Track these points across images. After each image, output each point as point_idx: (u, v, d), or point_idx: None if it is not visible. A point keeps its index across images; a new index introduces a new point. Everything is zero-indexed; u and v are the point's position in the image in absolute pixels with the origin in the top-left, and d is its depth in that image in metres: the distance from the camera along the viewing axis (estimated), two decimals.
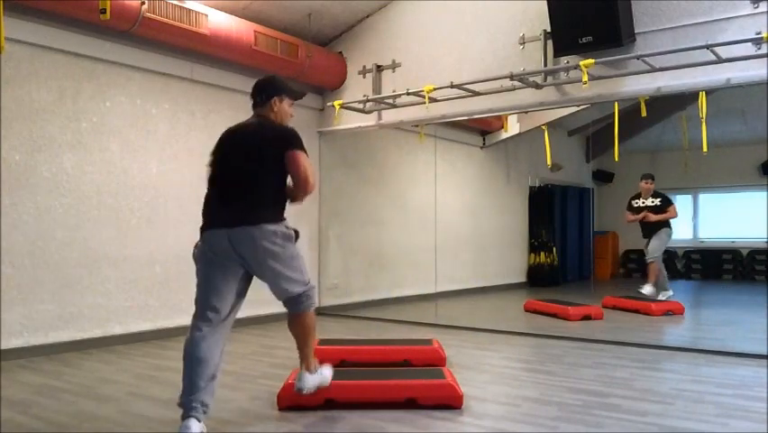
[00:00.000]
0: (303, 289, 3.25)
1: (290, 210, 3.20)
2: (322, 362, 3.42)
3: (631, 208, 7.71)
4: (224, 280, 3.13)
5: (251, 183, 3.12)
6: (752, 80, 4.67)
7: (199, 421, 2.87)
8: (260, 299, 6.64)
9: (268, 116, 3.33)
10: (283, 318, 7.08)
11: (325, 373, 3.35)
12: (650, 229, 7.58)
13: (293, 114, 3.39)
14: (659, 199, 7.64)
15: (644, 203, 7.67)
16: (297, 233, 3.21)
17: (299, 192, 3.16)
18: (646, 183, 7.67)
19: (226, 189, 3.16)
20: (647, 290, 7.39)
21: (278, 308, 7.16)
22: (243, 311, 6.43)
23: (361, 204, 7.64)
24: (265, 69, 6.32)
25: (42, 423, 3.16)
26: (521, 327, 6.13)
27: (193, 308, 2.98)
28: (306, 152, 3.12)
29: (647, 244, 7.58)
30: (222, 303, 3.13)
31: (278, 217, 3.18)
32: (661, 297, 7.43)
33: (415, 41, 6.51)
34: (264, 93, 3.38)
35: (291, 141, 3.10)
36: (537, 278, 9.68)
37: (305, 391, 3.23)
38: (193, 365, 2.91)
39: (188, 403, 2.88)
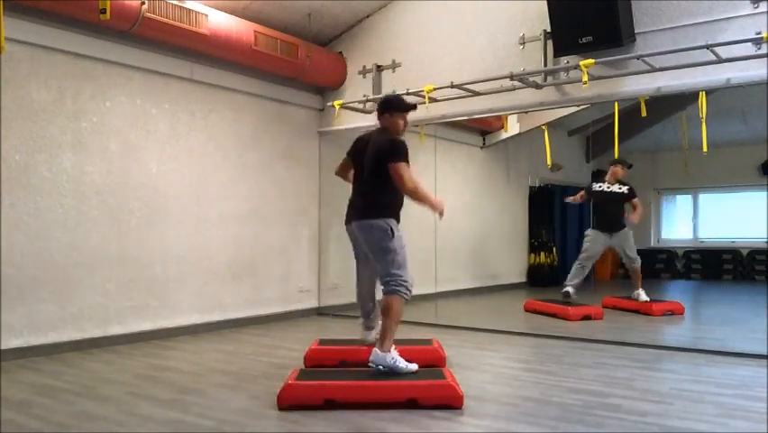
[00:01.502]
0: (387, 278, 3.81)
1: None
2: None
3: (589, 192, 7.29)
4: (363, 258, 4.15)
5: (360, 186, 4.02)
6: (752, 80, 4.67)
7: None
8: (261, 299, 6.70)
9: (384, 128, 3.99)
10: (283, 318, 7.13)
11: (401, 363, 3.67)
12: (612, 222, 7.10)
13: (405, 126, 4.01)
14: (626, 187, 7.17)
15: (608, 188, 7.17)
16: (392, 230, 3.85)
17: (407, 196, 3.90)
18: (622, 168, 7.15)
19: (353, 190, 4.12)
20: (644, 296, 7.04)
21: (278, 307, 7.21)
22: (243, 311, 6.51)
23: None
24: (265, 70, 6.35)
25: (42, 423, 3.16)
26: (521, 327, 6.13)
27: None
28: (404, 160, 3.77)
29: (596, 240, 7.06)
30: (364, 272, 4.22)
31: (378, 214, 3.86)
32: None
33: (415, 41, 6.51)
34: (380, 108, 4.02)
35: (390, 152, 3.78)
36: (537, 278, 9.67)
37: (373, 366, 3.68)
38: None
39: None
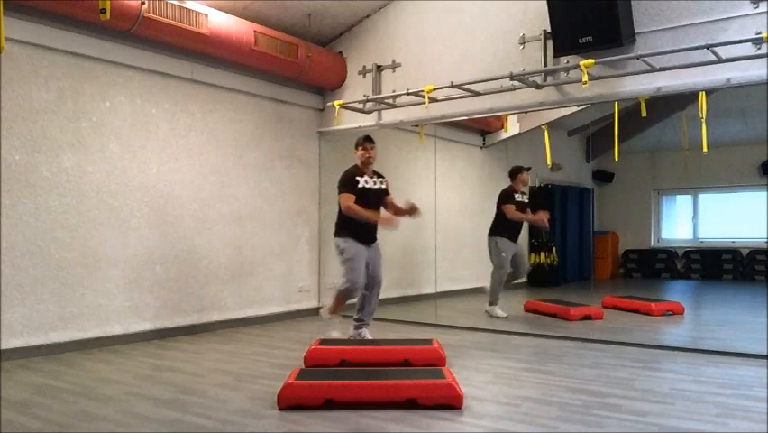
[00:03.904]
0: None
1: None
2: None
3: (514, 203, 6.85)
4: None
5: None
6: (752, 80, 4.67)
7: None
8: (261, 299, 6.69)
9: None
10: (283, 318, 7.12)
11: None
12: (518, 230, 6.95)
13: (362, 155, 5.01)
14: (525, 196, 7.06)
15: (523, 198, 6.97)
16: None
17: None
18: (528, 175, 7.02)
19: None
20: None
21: (278, 307, 7.21)
22: (243, 311, 6.51)
23: None
24: (265, 70, 6.35)
25: (42, 423, 3.16)
26: (521, 327, 6.13)
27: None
28: (343, 191, 4.90)
29: (504, 252, 6.80)
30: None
31: (338, 234, 5.01)
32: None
33: (415, 41, 6.51)
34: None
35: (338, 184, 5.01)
36: (537, 278, 9.67)
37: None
38: None
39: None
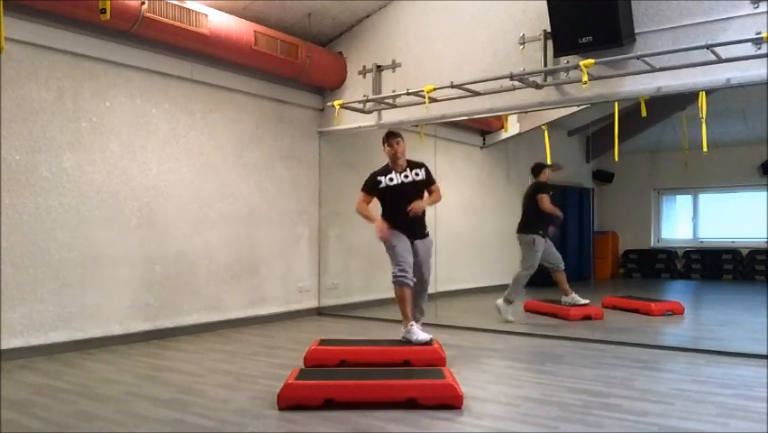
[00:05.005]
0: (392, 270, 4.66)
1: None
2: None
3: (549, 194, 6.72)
4: None
5: None
6: (752, 80, 4.67)
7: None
8: (261, 299, 6.69)
9: None
10: (283, 318, 7.11)
11: (413, 336, 4.48)
12: (549, 225, 6.77)
13: (389, 152, 4.80)
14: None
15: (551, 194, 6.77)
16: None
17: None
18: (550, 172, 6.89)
19: None
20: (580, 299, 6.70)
21: (278, 307, 7.21)
22: (243, 311, 6.50)
23: None
24: (265, 70, 6.35)
25: (42, 423, 3.16)
26: (521, 327, 6.13)
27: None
28: (361, 191, 4.84)
29: (539, 251, 6.63)
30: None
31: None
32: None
33: (415, 41, 6.51)
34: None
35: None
36: (537, 278, 9.66)
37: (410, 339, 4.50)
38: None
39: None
